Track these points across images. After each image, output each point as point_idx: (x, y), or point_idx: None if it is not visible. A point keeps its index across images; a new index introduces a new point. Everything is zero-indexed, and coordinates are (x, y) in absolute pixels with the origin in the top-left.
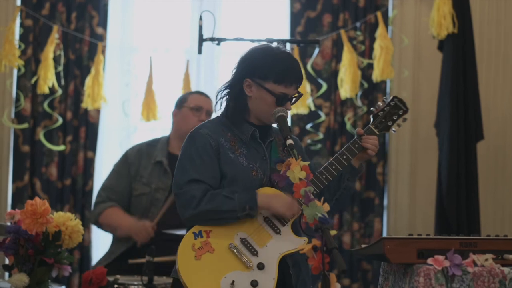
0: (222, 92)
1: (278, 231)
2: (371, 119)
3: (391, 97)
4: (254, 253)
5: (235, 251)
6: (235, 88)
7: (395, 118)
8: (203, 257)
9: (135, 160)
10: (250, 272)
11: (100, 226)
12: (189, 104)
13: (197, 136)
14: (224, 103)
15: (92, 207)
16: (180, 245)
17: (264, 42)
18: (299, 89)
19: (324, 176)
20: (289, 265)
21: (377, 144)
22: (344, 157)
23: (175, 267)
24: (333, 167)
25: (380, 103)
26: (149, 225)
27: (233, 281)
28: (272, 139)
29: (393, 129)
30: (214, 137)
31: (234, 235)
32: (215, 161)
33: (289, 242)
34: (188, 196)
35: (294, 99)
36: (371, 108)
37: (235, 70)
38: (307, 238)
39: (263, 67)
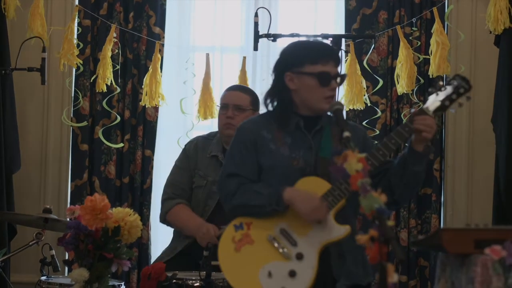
0: (267, 98)
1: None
2: (427, 99)
3: (453, 76)
4: (293, 243)
5: (273, 242)
6: (277, 86)
7: (454, 98)
8: (242, 249)
9: (193, 154)
10: (288, 262)
11: (168, 223)
12: (220, 103)
13: (239, 131)
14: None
15: (160, 205)
16: (221, 238)
17: (320, 38)
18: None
19: (369, 162)
20: (331, 256)
21: (432, 124)
22: (393, 141)
23: None
24: (380, 152)
25: (440, 83)
26: (213, 232)
27: (269, 272)
28: (319, 128)
29: (452, 109)
30: (254, 130)
31: (274, 226)
32: (253, 154)
33: (330, 230)
34: (225, 191)
35: (339, 78)
36: (429, 89)
37: (273, 72)
38: (349, 226)
39: (298, 56)
